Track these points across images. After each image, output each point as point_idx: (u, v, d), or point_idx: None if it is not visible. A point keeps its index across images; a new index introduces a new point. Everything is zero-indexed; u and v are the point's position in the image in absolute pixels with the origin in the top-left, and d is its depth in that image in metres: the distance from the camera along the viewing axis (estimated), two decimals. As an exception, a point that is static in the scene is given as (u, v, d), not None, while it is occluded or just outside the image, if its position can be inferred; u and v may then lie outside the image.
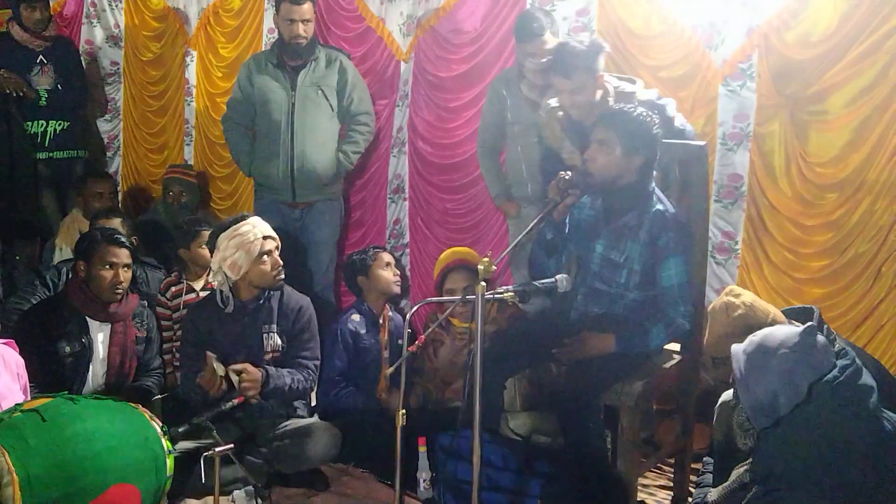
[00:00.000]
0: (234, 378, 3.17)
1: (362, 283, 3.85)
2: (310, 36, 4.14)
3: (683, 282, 2.84)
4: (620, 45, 3.79)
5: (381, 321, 3.73)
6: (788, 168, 3.50)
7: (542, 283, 2.66)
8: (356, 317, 3.75)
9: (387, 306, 3.79)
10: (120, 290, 3.36)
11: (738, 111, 3.57)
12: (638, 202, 2.86)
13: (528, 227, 2.76)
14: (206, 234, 3.86)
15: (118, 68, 5.50)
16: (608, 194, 2.85)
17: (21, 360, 2.76)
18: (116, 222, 4.07)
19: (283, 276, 3.38)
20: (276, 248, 3.37)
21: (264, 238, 3.31)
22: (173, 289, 3.93)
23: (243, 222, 3.33)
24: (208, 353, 3.20)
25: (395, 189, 4.59)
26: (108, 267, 3.33)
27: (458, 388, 3.50)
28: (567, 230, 3.00)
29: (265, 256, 3.31)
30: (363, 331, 3.71)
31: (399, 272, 3.88)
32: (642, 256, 2.85)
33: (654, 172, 2.90)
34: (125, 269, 3.37)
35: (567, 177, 2.80)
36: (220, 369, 3.16)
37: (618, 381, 2.85)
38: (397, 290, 3.82)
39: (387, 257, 3.84)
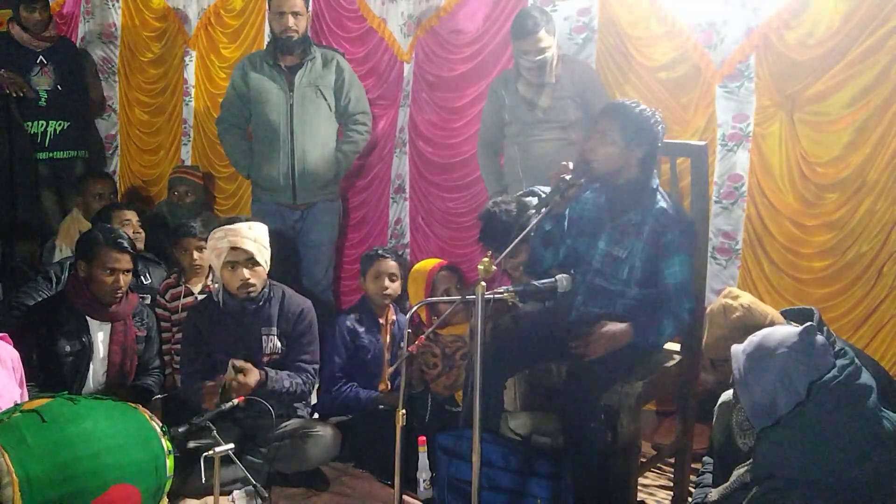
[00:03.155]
0: (232, 373, 3.17)
1: (361, 284, 3.84)
2: (301, 30, 4.11)
3: (687, 279, 2.86)
4: (620, 46, 3.80)
5: (381, 322, 3.74)
6: (789, 168, 3.49)
7: (543, 283, 2.65)
8: (355, 314, 3.72)
9: (390, 308, 3.78)
10: (119, 294, 3.36)
11: (737, 111, 3.58)
12: (642, 199, 2.88)
13: (528, 228, 2.76)
14: (189, 240, 3.89)
15: (112, 66, 5.48)
16: (611, 190, 2.86)
17: (16, 354, 2.75)
18: (131, 214, 4.18)
19: (250, 291, 3.29)
20: (248, 261, 3.27)
21: (233, 248, 3.25)
22: (172, 291, 3.93)
23: (221, 228, 3.32)
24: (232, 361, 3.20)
25: (395, 189, 4.59)
26: (108, 272, 3.32)
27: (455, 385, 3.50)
28: (567, 224, 3.00)
29: (231, 267, 3.28)
30: (361, 329, 3.68)
31: (398, 280, 3.75)
32: (644, 253, 2.86)
33: (655, 170, 2.91)
34: (126, 273, 3.37)
35: (568, 177, 2.80)
36: (230, 372, 3.17)
37: (618, 380, 2.86)
38: (383, 302, 3.72)
39: (387, 266, 3.71)
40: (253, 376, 3.19)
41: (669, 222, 2.83)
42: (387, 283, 3.71)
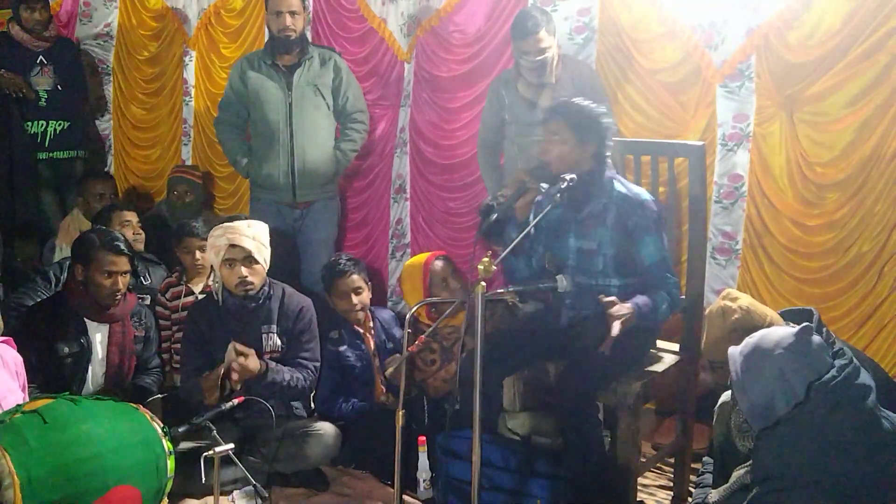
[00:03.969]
0: (233, 354, 3.18)
1: (328, 301, 3.72)
2: (299, 30, 4.11)
3: (664, 255, 2.90)
4: (621, 46, 3.80)
5: (361, 331, 3.70)
6: (789, 168, 3.49)
7: (543, 283, 2.66)
8: (335, 334, 3.62)
9: (368, 314, 3.73)
10: (118, 297, 3.36)
11: (738, 111, 3.57)
12: (599, 189, 2.92)
13: (527, 228, 2.77)
14: (191, 240, 3.90)
15: (107, 66, 5.46)
16: (569, 187, 2.87)
17: (19, 358, 2.75)
18: (131, 215, 4.19)
19: (248, 289, 3.29)
20: (246, 259, 3.27)
21: (231, 246, 3.26)
22: (172, 290, 3.93)
23: (220, 226, 3.32)
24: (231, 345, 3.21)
25: (396, 189, 4.59)
26: (106, 275, 3.31)
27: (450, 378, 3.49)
28: (533, 231, 3.01)
29: (229, 264, 3.28)
30: (343, 347, 3.61)
31: (365, 290, 3.65)
32: (613, 241, 2.90)
33: (609, 159, 2.95)
34: (124, 275, 3.36)
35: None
36: (231, 353, 3.18)
37: (615, 379, 2.86)
38: (356, 318, 3.64)
39: (349, 283, 3.61)
40: (253, 360, 3.21)
41: (631, 206, 2.88)
42: (354, 299, 3.62)
